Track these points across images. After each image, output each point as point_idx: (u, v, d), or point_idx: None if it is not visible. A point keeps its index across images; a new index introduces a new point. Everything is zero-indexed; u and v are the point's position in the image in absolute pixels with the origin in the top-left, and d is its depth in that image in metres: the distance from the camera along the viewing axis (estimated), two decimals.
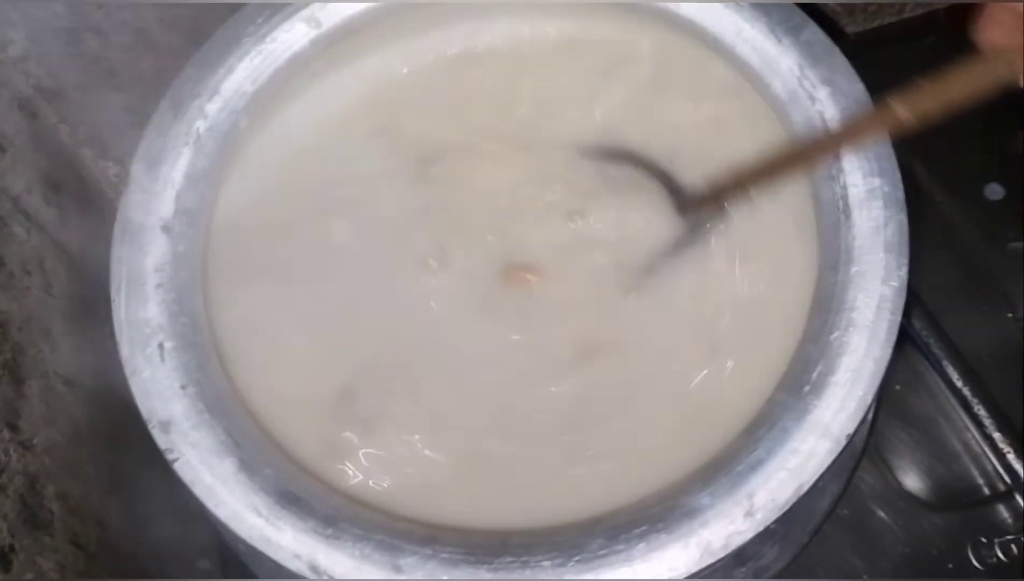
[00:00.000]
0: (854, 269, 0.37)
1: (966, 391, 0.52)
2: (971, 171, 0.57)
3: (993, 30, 0.32)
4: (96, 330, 0.49)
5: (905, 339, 0.53)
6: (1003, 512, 0.50)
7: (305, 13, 0.44)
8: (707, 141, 0.45)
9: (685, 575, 0.34)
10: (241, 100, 0.43)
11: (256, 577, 0.41)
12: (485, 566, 0.34)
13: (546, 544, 0.35)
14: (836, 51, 0.41)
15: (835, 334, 0.37)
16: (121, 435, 0.50)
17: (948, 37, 0.61)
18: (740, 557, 0.37)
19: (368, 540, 0.35)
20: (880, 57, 0.60)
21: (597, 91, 0.47)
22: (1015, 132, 0.58)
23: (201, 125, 0.43)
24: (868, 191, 0.39)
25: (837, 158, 0.39)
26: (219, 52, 0.44)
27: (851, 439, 0.36)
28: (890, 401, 0.52)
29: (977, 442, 0.51)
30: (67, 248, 0.50)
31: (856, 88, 0.41)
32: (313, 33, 0.44)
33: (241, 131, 0.44)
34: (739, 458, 0.35)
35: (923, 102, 0.35)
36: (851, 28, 0.62)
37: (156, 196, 0.41)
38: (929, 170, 0.57)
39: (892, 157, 0.39)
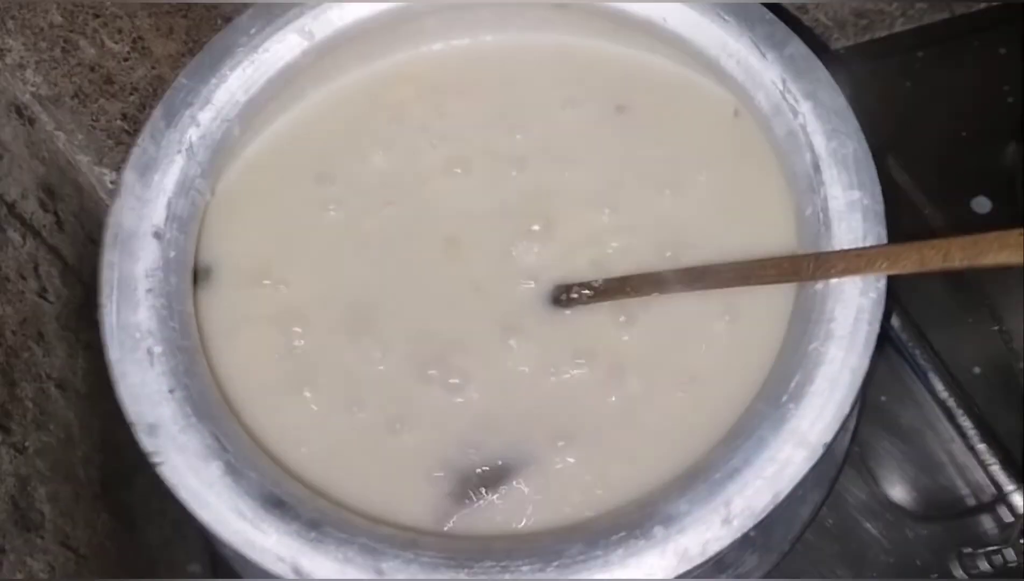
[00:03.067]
0: (833, 280, 0.38)
1: (951, 402, 0.52)
2: (959, 184, 0.58)
3: None
4: (89, 334, 0.50)
5: (891, 350, 0.53)
6: (988, 523, 0.50)
7: (297, 24, 0.45)
8: None
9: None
10: (233, 109, 0.44)
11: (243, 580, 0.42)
12: (465, 570, 0.35)
13: (526, 549, 0.35)
14: (819, 65, 0.42)
15: (813, 344, 0.37)
16: (113, 438, 0.50)
17: (938, 51, 0.62)
18: (720, 564, 0.38)
19: (351, 544, 0.35)
20: (870, 70, 0.61)
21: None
22: (1004, 145, 0.58)
23: (194, 133, 0.43)
24: (848, 204, 0.39)
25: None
26: (212, 62, 0.44)
27: (828, 448, 0.36)
28: (876, 412, 0.52)
29: (962, 453, 0.51)
30: (62, 253, 0.51)
31: (838, 102, 0.41)
32: (305, 44, 0.45)
33: (233, 139, 0.44)
34: (717, 466, 0.36)
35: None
36: (841, 42, 0.63)
37: (148, 203, 0.42)
38: (917, 183, 0.58)
39: (872, 170, 0.40)
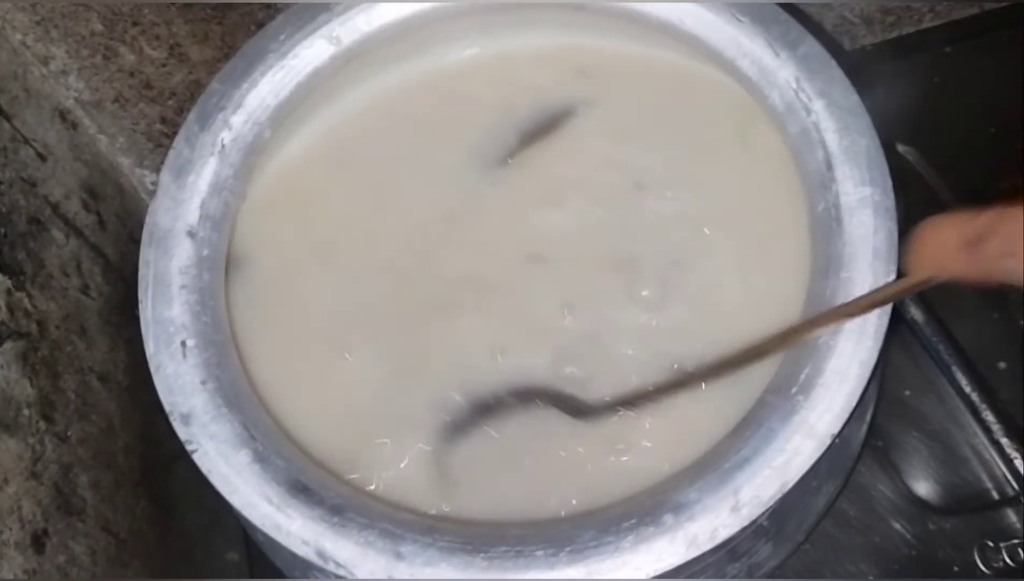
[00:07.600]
0: (844, 275, 0.39)
1: (975, 397, 0.52)
2: (987, 180, 0.58)
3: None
4: (131, 330, 0.52)
5: (915, 344, 0.53)
6: (1010, 517, 0.50)
7: (326, 30, 0.46)
8: None
9: (672, 566, 0.35)
10: (264, 113, 0.46)
11: (275, 567, 0.43)
12: (481, 555, 0.36)
13: (540, 535, 0.36)
14: (833, 64, 0.43)
15: (823, 337, 0.38)
16: (153, 429, 0.52)
17: (967, 48, 0.62)
18: (733, 553, 0.39)
19: (372, 528, 0.37)
20: (898, 67, 0.61)
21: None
22: None
23: (226, 136, 0.45)
24: (859, 200, 0.40)
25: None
26: (244, 67, 0.46)
27: (841, 439, 0.37)
28: (899, 406, 0.53)
29: (985, 447, 0.51)
30: (104, 252, 0.53)
31: (851, 100, 0.42)
32: (333, 50, 0.47)
33: (264, 142, 0.46)
34: (726, 456, 0.36)
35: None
36: (869, 39, 0.63)
37: (183, 203, 0.44)
38: (944, 179, 0.58)
39: (884, 166, 0.40)
